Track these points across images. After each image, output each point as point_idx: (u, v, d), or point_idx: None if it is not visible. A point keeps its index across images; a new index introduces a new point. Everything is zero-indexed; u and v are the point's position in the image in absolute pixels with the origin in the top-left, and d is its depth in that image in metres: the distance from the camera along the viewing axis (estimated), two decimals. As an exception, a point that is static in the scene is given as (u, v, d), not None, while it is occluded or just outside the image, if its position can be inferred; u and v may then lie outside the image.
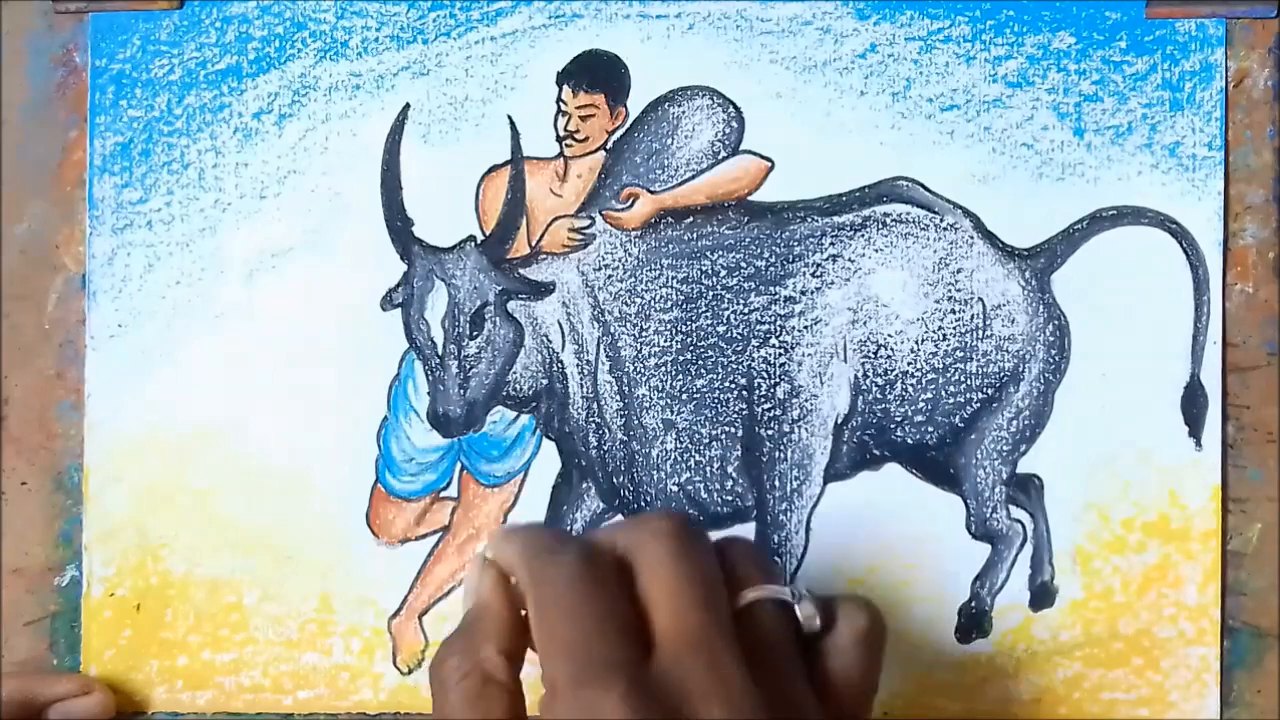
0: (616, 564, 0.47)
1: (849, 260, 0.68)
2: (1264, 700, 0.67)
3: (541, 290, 0.69)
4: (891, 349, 0.68)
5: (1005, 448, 0.68)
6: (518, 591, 0.49)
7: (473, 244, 0.69)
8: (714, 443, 0.69)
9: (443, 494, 0.70)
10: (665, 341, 0.69)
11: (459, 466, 0.70)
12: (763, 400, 0.68)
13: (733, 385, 0.68)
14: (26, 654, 0.70)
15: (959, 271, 0.68)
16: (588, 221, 0.69)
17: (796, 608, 0.49)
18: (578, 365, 0.69)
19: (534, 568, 0.47)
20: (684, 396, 0.69)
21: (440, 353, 0.69)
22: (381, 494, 0.69)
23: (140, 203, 0.70)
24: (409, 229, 0.69)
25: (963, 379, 0.68)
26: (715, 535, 0.51)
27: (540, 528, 0.51)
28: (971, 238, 0.68)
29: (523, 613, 0.49)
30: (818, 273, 0.68)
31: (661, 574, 0.46)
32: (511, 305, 0.69)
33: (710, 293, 0.69)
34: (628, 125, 0.69)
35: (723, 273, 0.68)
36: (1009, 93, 0.68)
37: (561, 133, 0.69)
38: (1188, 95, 0.67)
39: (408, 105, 0.70)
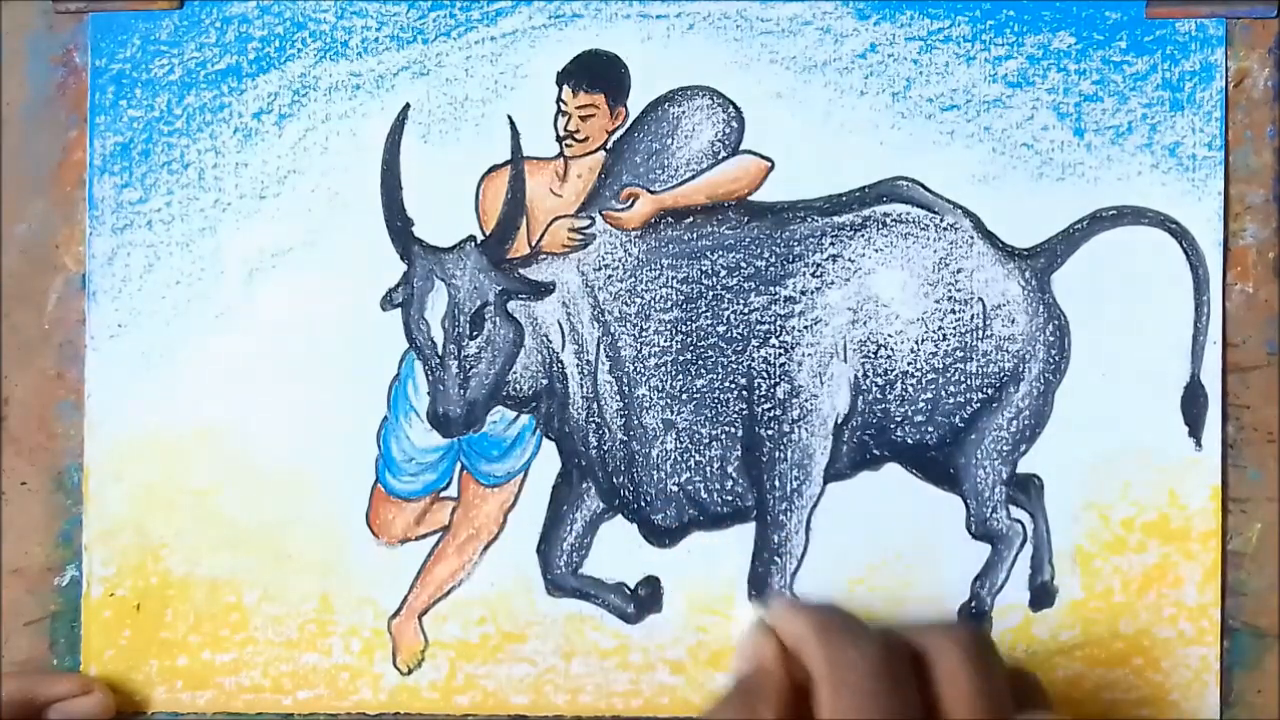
0: (913, 662, 0.48)
1: (849, 260, 0.68)
2: (1264, 700, 0.67)
3: (541, 290, 0.69)
4: (891, 349, 0.68)
5: (1005, 448, 0.68)
6: (797, 663, 0.49)
7: (473, 244, 0.69)
8: (714, 443, 0.69)
9: (443, 494, 0.70)
10: (665, 341, 0.69)
11: (459, 466, 0.70)
12: (763, 400, 0.68)
13: (733, 385, 0.68)
14: (26, 654, 0.70)
15: (959, 271, 0.68)
16: (588, 221, 0.69)
17: None
18: (578, 365, 0.69)
19: (834, 649, 0.48)
20: (684, 396, 0.69)
21: (440, 353, 0.69)
22: (381, 494, 0.69)
23: (140, 203, 0.70)
24: (409, 229, 0.69)
25: (963, 379, 0.68)
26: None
27: (834, 608, 0.52)
28: (971, 238, 0.68)
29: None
30: (818, 273, 0.68)
31: (961, 684, 0.48)
32: (511, 305, 0.69)
33: (710, 293, 0.69)
34: (628, 125, 0.69)
35: (723, 273, 0.68)
36: (1009, 93, 0.68)
37: (561, 133, 0.69)
38: (1188, 95, 0.67)
39: (408, 105, 0.70)
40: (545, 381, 0.69)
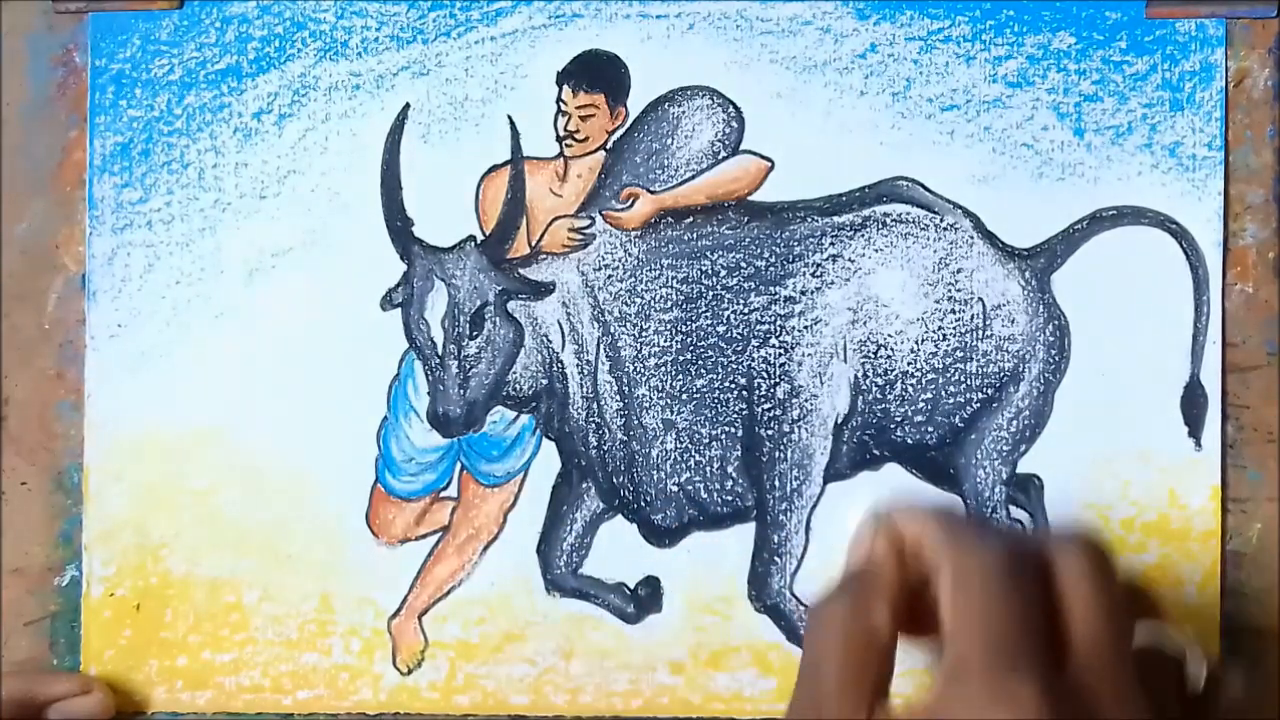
0: (1037, 568, 0.48)
1: (849, 260, 0.68)
2: (1264, 700, 0.66)
3: (541, 290, 0.69)
4: (891, 349, 0.68)
5: (1005, 448, 0.68)
6: (911, 563, 0.49)
7: (473, 244, 0.69)
8: (714, 443, 0.69)
9: (442, 494, 0.70)
10: (665, 341, 0.69)
11: (459, 466, 0.70)
12: (763, 400, 0.68)
13: (733, 385, 0.68)
14: (26, 654, 0.70)
15: (959, 271, 0.68)
16: (588, 221, 0.69)
17: (1188, 661, 0.50)
18: (578, 365, 0.69)
19: (960, 546, 0.47)
20: (684, 396, 0.69)
21: (440, 353, 0.69)
22: (381, 494, 0.69)
23: (140, 203, 0.70)
24: (409, 229, 0.69)
25: (963, 379, 0.68)
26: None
27: (957, 509, 0.51)
28: (971, 238, 0.68)
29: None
30: (818, 273, 0.68)
31: (1086, 588, 0.47)
32: (511, 305, 0.69)
33: (710, 293, 0.69)
34: (628, 125, 0.69)
35: (723, 273, 0.68)
36: (1009, 93, 0.68)
37: (561, 133, 0.69)
38: (1188, 95, 0.67)
39: (408, 105, 0.70)
40: (545, 381, 0.69)
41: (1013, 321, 0.68)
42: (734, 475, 0.68)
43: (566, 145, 0.69)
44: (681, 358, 0.69)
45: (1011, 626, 0.46)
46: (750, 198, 0.69)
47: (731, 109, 0.69)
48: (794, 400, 0.68)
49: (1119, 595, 0.48)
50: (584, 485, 0.69)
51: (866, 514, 0.50)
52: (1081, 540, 0.50)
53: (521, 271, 0.69)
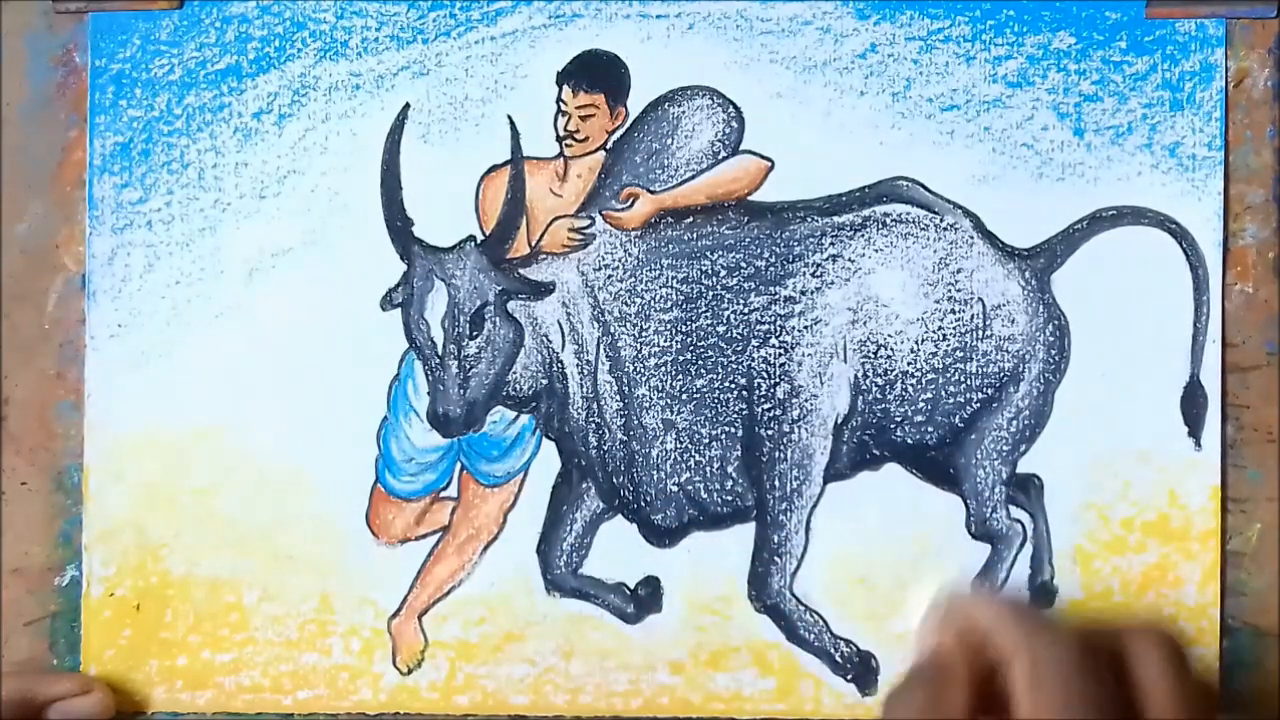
0: (1111, 658, 0.48)
1: (849, 260, 0.68)
2: (1264, 700, 0.66)
3: (541, 290, 0.69)
4: (891, 349, 0.68)
5: (1005, 448, 0.68)
6: (978, 653, 0.49)
7: (473, 244, 0.69)
8: (714, 443, 0.69)
9: (442, 494, 0.70)
10: (665, 341, 0.69)
11: (459, 466, 0.70)
12: (763, 400, 0.68)
13: (733, 385, 0.68)
14: (26, 654, 0.70)
15: (959, 271, 0.68)
16: (588, 221, 0.69)
17: None
18: (578, 365, 0.69)
19: (1034, 641, 0.47)
20: (684, 396, 0.69)
21: (440, 353, 0.69)
22: (381, 494, 0.69)
23: (140, 203, 0.70)
24: (409, 229, 0.69)
25: (963, 379, 0.68)
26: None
27: (1022, 599, 0.51)
28: (971, 238, 0.68)
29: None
30: (818, 273, 0.68)
31: (1165, 682, 0.47)
32: (511, 305, 0.69)
33: (710, 293, 0.69)
34: (628, 125, 0.69)
35: (723, 273, 0.68)
36: (1009, 93, 0.68)
37: (561, 133, 0.69)
38: (1188, 95, 0.67)
39: (408, 105, 0.70)
40: (545, 381, 0.69)
41: (1013, 321, 0.68)
42: (734, 475, 0.68)
43: (566, 145, 0.69)
44: (681, 358, 0.69)
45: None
46: (750, 198, 0.69)
47: (731, 109, 0.69)
48: (794, 400, 0.68)
49: (1195, 690, 0.48)
50: (584, 485, 0.69)
51: (934, 600, 0.50)
52: (1158, 633, 0.49)
53: (521, 271, 0.69)
